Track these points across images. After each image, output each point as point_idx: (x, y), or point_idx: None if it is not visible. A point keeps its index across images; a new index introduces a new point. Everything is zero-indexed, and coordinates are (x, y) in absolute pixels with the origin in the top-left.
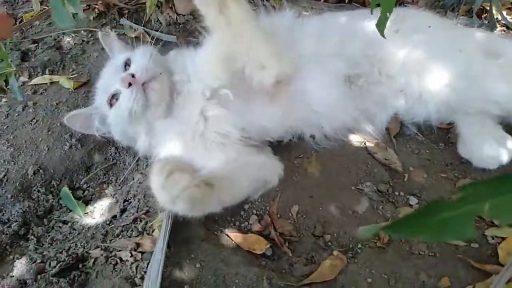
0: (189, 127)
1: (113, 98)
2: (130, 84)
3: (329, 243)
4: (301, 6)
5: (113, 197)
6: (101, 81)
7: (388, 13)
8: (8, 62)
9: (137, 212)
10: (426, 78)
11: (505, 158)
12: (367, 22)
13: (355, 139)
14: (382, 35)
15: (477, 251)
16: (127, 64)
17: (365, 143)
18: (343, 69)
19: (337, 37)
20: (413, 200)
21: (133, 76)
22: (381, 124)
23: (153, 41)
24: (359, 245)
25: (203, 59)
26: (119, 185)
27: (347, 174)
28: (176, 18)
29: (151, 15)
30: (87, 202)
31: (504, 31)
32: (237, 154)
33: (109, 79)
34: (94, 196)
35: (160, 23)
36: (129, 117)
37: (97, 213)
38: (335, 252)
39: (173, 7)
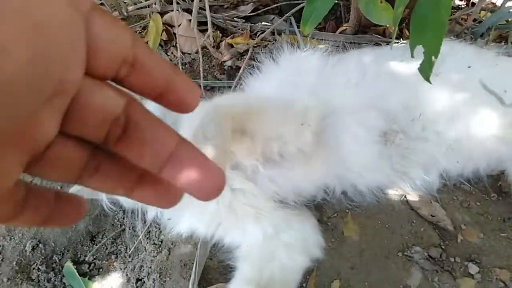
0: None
1: None
2: None
3: None
4: (315, 39)
5: (123, 272)
6: None
7: (434, 57)
8: None
9: None
10: (475, 130)
11: None
12: (402, 65)
13: (394, 192)
14: (428, 80)
15: None
16: None
17: (405, 197)
18: (378, 124)
19: (372, 86)
20: (473, 268)
21: None
22: (423, 185)
23: None
24: None
25: None
26: (129, 256)
27: (390, 237)
28: (182, 57)
29: None
30: (93, 278)
31: None
32: (275, 228)
33: None
34: (101, 270)
35: None
36: None
37: None
38: None
39: (177, 45)
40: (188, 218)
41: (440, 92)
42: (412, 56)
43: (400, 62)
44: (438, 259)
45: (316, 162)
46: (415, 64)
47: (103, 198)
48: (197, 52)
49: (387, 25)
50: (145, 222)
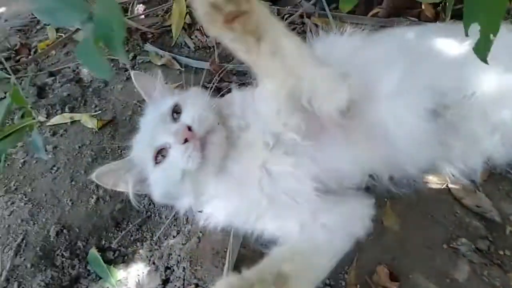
0: (251, 190)
1: (159, 154)
2: (186, 140)
3: None
4: (347, 22)
5: (149, 260)
6: (141, 132)
7: (492, 35)
8: (28, 109)
9: (183, 285)
10: None
11: None
12: (452, 43)
13: (434, 181)
14: (484, 60)
15: None
16: (175, 111)
17: (447, 185)
18: (429, 102)
19: (422, 67)
20: None
21: (189, 129)
22: (470, 168)
23: (183, 69)
24: None
25: (263, 102)
26: (156, 244)
27: (433, 228)
28: (206, 40)
29: (177, 39)
30: (118, 265)
31: None
32: (313, 214)
33: (153, 130)
34: (126, 257)
35: (188, 47)
36: (181, 178)
37: (132, 280)
38: None
39: (201, 28)
40: (224, 212)
41: (490, 70)
42: (467, 35)
43: (450, 40)
44: (487, 252)
45: (358, 141)
46: (461, 41)
47: (130, 189)
48: None
49: (423, 7)
50: (172, 208)
